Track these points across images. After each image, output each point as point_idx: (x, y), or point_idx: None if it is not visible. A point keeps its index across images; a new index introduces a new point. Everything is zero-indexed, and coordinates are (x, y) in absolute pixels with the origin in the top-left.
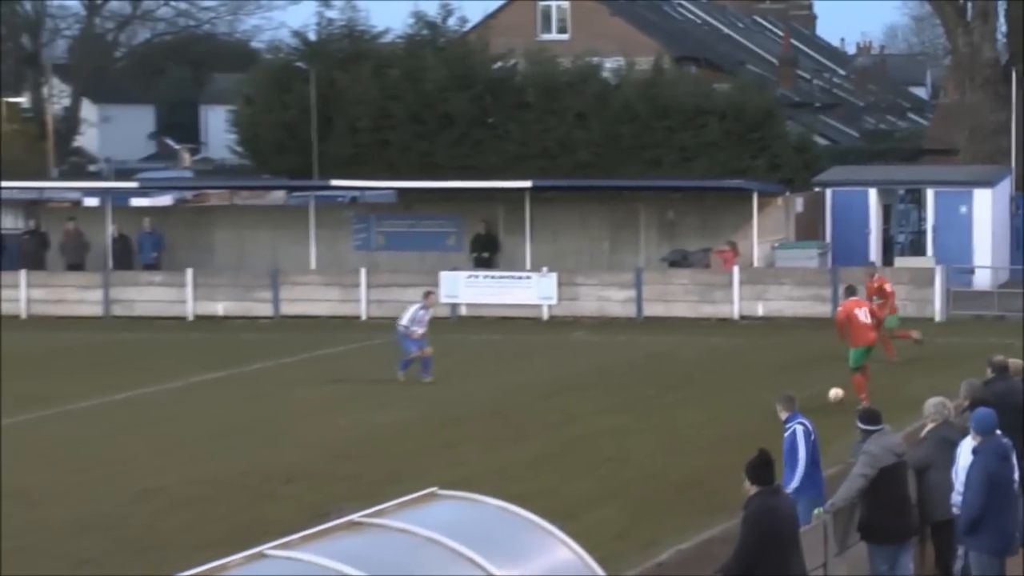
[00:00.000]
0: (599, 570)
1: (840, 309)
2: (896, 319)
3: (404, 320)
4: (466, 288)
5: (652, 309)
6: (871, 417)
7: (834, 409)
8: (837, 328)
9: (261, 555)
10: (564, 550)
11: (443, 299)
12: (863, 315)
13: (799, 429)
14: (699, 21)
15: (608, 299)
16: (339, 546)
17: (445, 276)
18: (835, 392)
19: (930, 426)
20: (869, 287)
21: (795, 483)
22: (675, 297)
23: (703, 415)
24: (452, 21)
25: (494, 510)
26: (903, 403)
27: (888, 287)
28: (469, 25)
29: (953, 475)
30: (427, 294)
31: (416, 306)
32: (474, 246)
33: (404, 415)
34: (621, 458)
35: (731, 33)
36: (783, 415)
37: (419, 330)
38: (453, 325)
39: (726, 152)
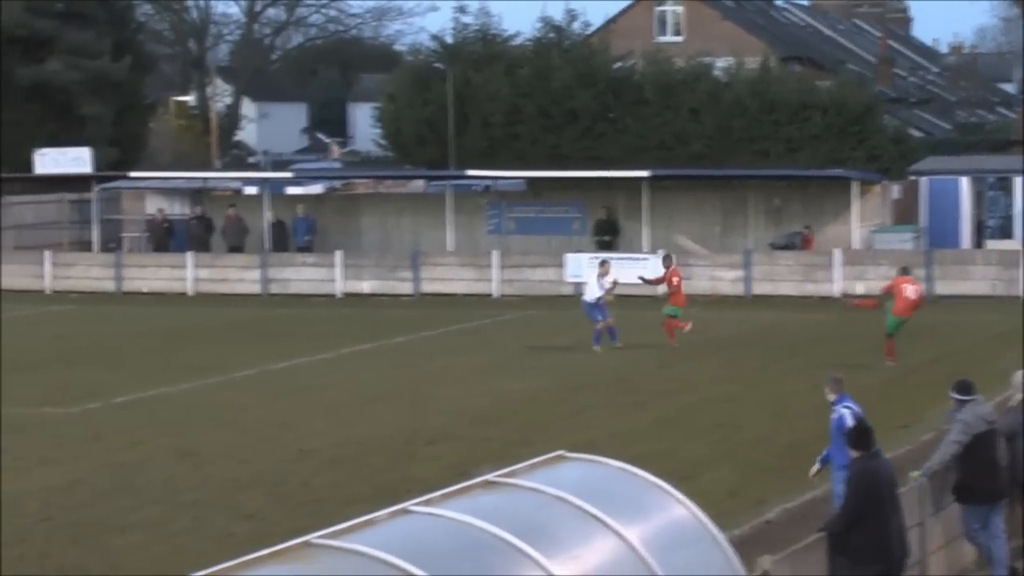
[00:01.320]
0: (714, 527)
1: (893, 282)
2: (677, 310)
3: (589, 297)
4: (589, 269)
5: (759, 288)
6: (965, 388)
7: (928, 380)
8: (883, 292)
9: (406, 511)
10: (681, 508)
11: (568, 278)
12: (910, 291)
13: (847, 413)
14: (803, 24)
15: (719, 278)
16: (476, 503)
17: (570, 258)
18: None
19: (1019, 396)
20: (665, 276)
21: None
22: (781, 277)
23: (807, 384)
24: (576, 25)
25: (617, 471)
26: (993, 375)
27: (676, 280)
28: (592, 28)
29: None
30: (602, 263)
31: (593, 279)
32: (596, 230)
33: (534, 383)
34: (732, 423)
35: (832, 35)
36: (831, 396)
37: (605, 292)
38: (578, 302)
39: (828, 144)
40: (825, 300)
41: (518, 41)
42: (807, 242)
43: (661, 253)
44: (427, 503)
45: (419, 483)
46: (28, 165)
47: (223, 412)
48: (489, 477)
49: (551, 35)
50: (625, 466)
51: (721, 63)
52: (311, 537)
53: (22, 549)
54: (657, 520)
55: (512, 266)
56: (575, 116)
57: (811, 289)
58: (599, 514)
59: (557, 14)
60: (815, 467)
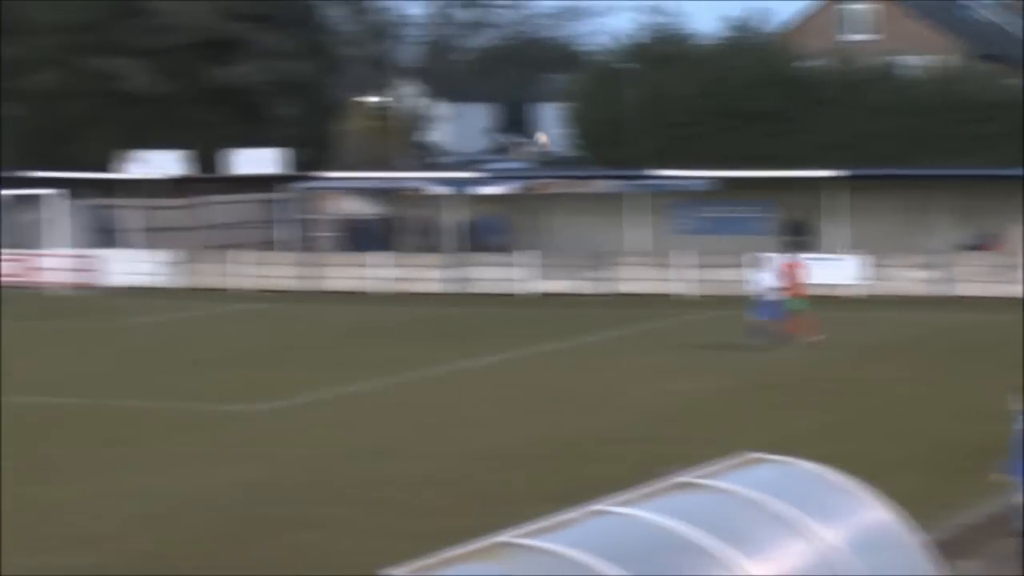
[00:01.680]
0: (911, 530)
1: None
2: (801, 304)
3: (761, 290)
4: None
5: (950, 288)
6: None
7: None
8: None
9: (601, 511)
10: (877, 510)
11: (754, 279)
12: None
13: None
14: (992, 22)
15: (910, 279)
16: (671, 504)
17: (759, 258)
18: None
19: None
20: (783, 269)
21: None
22: (970, 277)
23: (995, 387)
24: (760, 24)
25: (811, 472)
26: None
27: (794, 273)
28: (776, 28)
29: None
30: (763, 259)
31: (759, 274)
32: (785, 230)
33: (717, 383)
34: (918, 426)
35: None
36: (1017, 407)
37: (768, 288)
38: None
39: (1016, 142)
40: (1015, 301)
41: (701, 42)
42: (995, 243)
43: (847, 252)
44: (622, 503)
45: (604, 482)
46: (214, 165)
47: (411, 410)
48: (683, 478)
49: (735, 35)
50: (819, 468)
51: (906, 61)
52: (506, 536)
53: (213, 545)
54: (853, 523)
55: (698, 266)
56: (758, 115)
57: (1001, 290)
58: (795, 516)
59: (741, 13)
60: (999, 475)
